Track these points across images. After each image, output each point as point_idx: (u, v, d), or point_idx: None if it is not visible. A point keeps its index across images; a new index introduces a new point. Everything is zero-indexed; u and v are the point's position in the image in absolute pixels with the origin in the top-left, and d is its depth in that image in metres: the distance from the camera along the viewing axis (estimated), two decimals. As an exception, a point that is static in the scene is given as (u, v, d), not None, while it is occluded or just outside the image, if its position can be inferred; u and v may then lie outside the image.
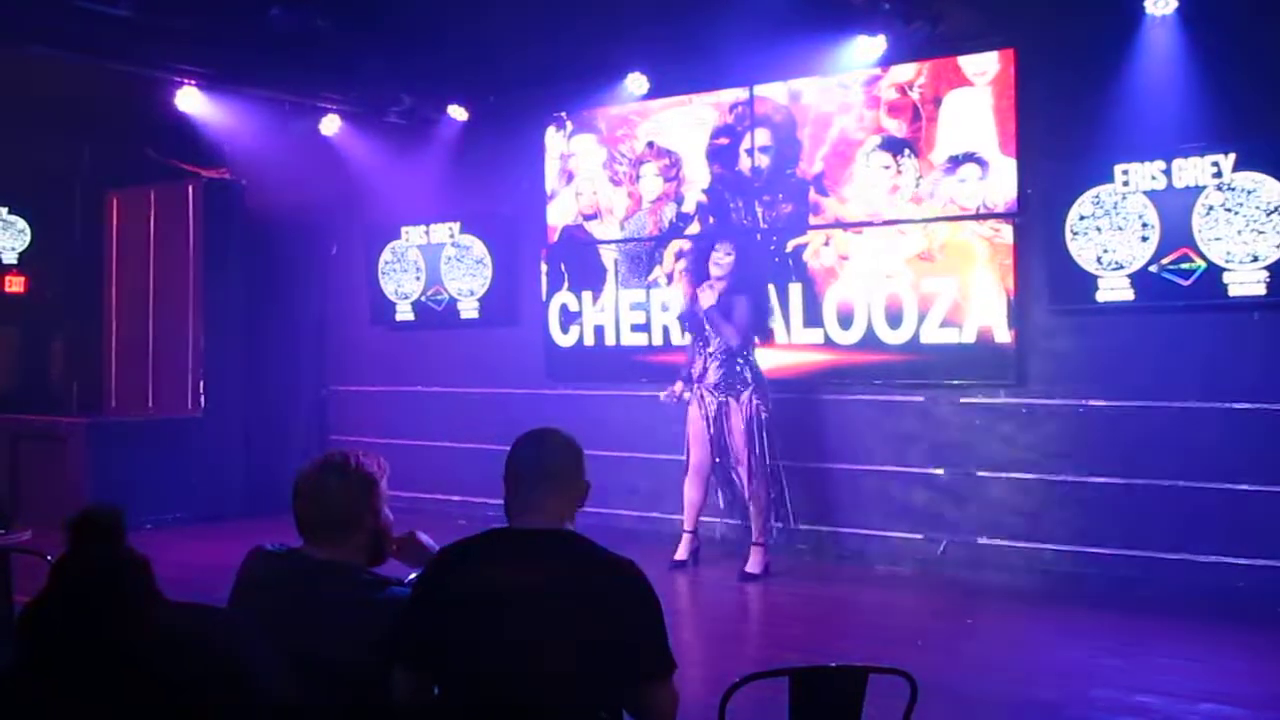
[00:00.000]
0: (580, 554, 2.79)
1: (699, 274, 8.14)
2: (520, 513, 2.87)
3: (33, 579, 3.20)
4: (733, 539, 8.42)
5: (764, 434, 7.66)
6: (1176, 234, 7.15)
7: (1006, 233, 7.80)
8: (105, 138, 11.00)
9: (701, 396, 7.80)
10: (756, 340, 8.03)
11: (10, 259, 11.79)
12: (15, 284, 11.89)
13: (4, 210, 11.73)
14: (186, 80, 9.16)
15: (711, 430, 7.77)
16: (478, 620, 2.70)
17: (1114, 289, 7.39)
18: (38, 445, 10.14)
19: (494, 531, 2.87)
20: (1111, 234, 7.36)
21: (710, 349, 7.78)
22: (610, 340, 9.50)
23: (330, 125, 10.23)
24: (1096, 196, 7.41)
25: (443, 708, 2.75)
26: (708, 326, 7.79)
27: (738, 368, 7.71)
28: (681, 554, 7.96)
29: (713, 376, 7.75)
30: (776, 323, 8.64)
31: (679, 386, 7.95)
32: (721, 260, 7.86)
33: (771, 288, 8.67)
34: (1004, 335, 7.81)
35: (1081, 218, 7.46)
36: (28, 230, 11.81)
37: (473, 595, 2.73)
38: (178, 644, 2.00)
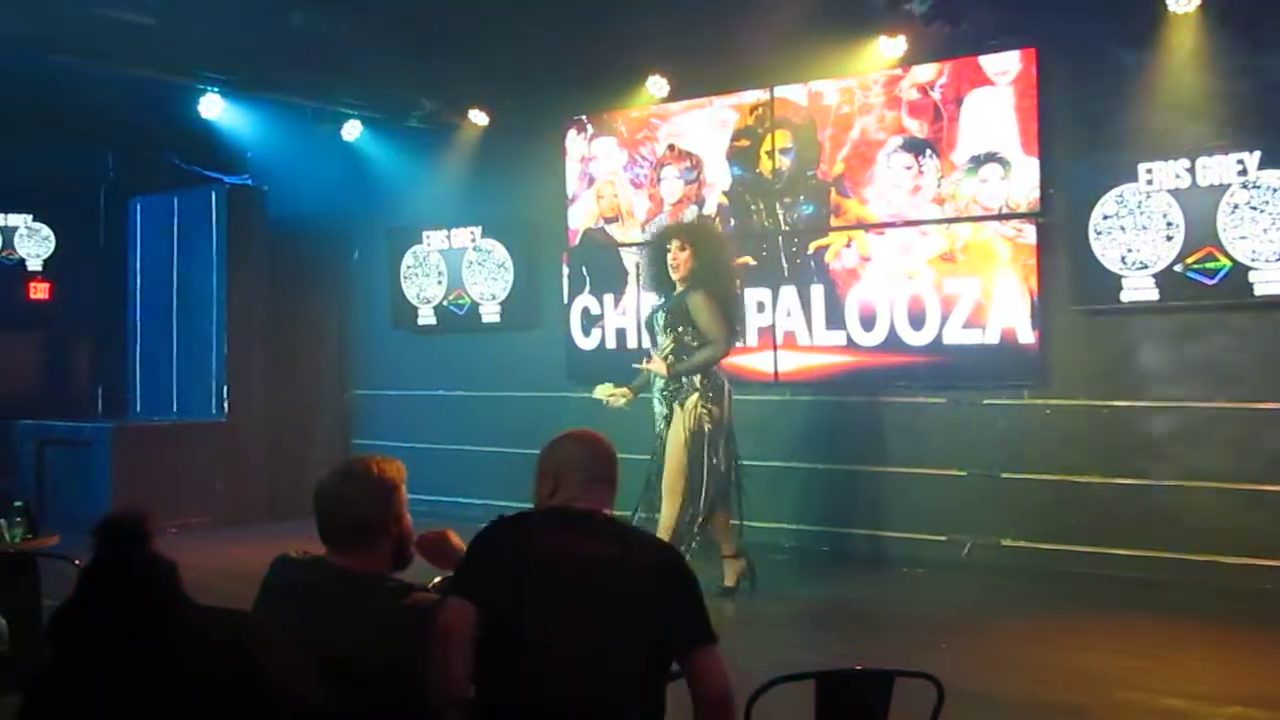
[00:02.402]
0: (629, 532, 3.11)
1: (660, 277, 7.21)
2: (579, 498, 3.06)
3: (61, 583, 3.22)
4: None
5: (714, 444, 6.85)
6: (1201, 233, 7.10)
7: (1029, 233, 7.77)
8: (129, 145, 11.07)
9: (655, 404, 7.10)
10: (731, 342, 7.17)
11: (35, 266, 11.86)
12: (40, 290, 11.97)
13: (29, 218, 11.81)
14: (209, 87, 9.20)
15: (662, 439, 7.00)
16: (535, 574, 2.87)
17: (1138, 289, 7.34)
18: (63, 450, 10.21)
19: (550, 508, 3.07)
20: (1135, 233, 7.32)
21: (661, 351, 7.07)
22: (632, 343, 9.47)
23: (352, 130, 10.27)
24: (1120, 195, 7.37)
25: (488, 661, 2.80)
26: (659, 331, 7.07)
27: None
28: (730, 580, 7.13)
29: (661, 382, 7.05)
30: (798, 324, 8.62)
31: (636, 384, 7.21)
32: (676, 258, 7.00)
33: (793, 289, 8.65)
34: (1027, 336, 7.77)
35: (1105, 217, 7.42)
36: (53, 237, 11.89)
37: (531, 553, 2.91)
38: (206, 646, 2.00)
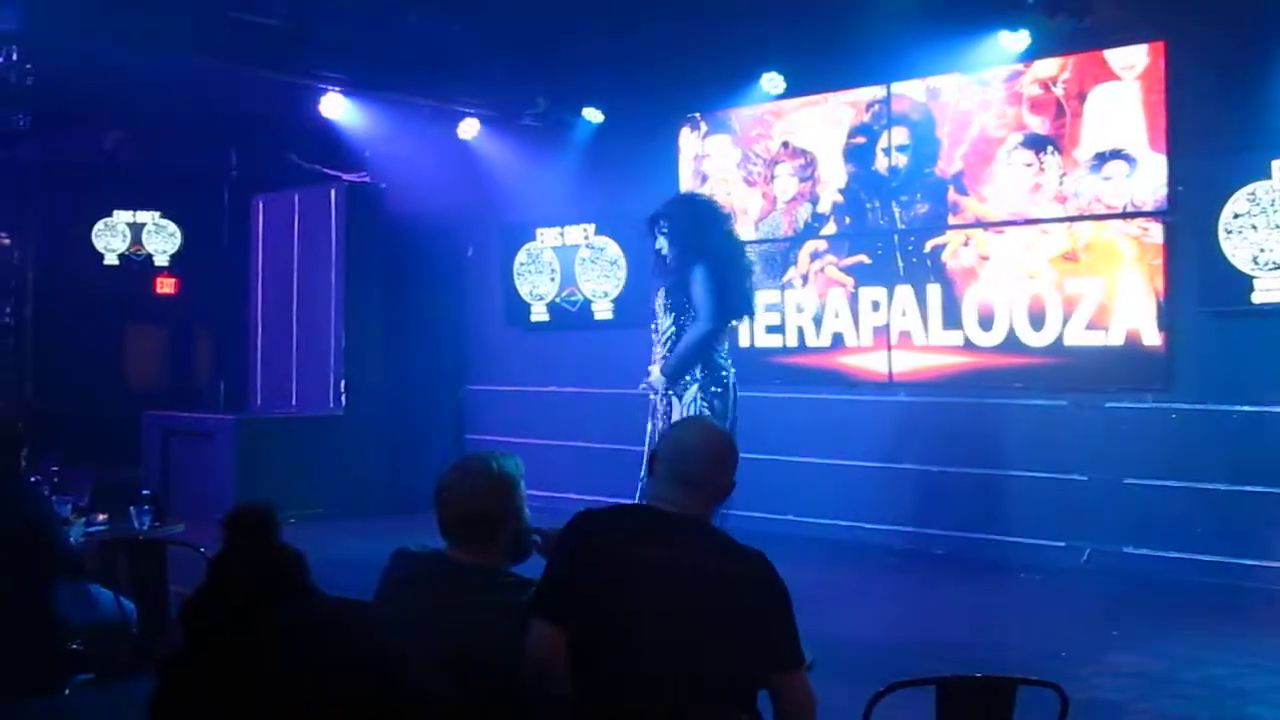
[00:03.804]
0: (717, 542, 2.88)
1: (661, 265, 6.51)
2: (667, 497, 2.92)
3: (187, 569, 3.30)
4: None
5: None
6: (1339, 232, 6.85)
7: (1155, 231, 7.55)
8: (252, 144, 11.36)
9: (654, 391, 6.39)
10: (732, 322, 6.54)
11: (162, 261, 12.27)
12: (166, 285, 12.38)
13: (157, 215, 12.21)
14: (330, 86, 9.38)
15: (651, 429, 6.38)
16: (619, 584, 2.77)
17: (1270, 290, 7.10)
18: (187, 441, 10.49)
19: (636, 506, 2.94)
20: (1268, 232, 7.08)
21: (662, 336, 6.36)
22: (744, 342, 9.40)
23: (468, 129, 10.37)
24: (1252, 193, 7.13)
25: (576, 668, 2.76)
26: (662, 313, 6.35)
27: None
28: None
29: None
30: (913, 323, 8.50)
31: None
32: (660, 245, 6.45)
33: (909, 288, 8.53)
34: (1153, 338, 7.56)
35: (1236, 215, 7.19)
36: (178, 234, 12.27)
37: (615, 561, 2.80)
38: (334, 637, 2.03)
